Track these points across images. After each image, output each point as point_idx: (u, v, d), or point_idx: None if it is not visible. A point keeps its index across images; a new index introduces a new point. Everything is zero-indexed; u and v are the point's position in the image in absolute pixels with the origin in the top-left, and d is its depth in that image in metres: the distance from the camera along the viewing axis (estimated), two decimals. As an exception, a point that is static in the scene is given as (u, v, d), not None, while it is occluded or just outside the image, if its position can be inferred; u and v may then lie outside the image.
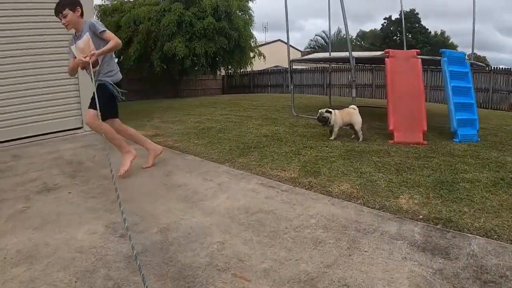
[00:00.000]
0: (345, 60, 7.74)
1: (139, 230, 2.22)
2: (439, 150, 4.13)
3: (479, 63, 8.21)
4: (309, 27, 66.14)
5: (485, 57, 34.81)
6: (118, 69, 3.25)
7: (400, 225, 2.27)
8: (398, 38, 32.93)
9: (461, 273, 1.73)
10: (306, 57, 15.72)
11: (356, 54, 6.00)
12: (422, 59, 5.17)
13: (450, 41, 35.42)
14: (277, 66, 20.30)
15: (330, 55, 8.98)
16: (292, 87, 8.75)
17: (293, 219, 2.37)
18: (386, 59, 5.05)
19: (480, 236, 2.11)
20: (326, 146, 4.24)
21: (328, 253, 1.92)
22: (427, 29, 34.92)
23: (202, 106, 8.99)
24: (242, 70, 16.20)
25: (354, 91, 5.79)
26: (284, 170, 3.38)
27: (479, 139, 4.81)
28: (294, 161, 3.66)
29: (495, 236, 2.09)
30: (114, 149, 3.42)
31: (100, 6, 14.29)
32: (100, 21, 7.04)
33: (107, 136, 3.18)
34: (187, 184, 3.10)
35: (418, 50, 5.41)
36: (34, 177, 3.35)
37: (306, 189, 2.95)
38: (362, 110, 5.00)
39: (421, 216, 2.38)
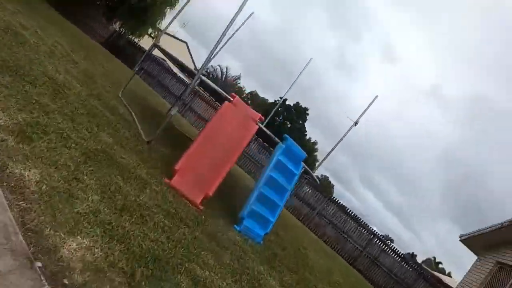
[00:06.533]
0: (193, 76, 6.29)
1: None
2: (201, 226, 3.28)
3: (314, 176, 7.46)
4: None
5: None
6: None
7: None
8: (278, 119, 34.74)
9: None
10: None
11: (205, 78, 5.02)
12: (260, 129, 4.62)
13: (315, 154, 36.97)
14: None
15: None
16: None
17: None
18: (226, 101, 4.38)
19: None
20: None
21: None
22: (305, 132, 36.64)
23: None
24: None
25: (176, 108, 4.97)
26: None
27: (261, 242, 4.31)
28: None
29: None
30: None
31: None
32: None
33: None
34: None
35: (262, 118, 4.92)
36: None
37: None
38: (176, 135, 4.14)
39: None
